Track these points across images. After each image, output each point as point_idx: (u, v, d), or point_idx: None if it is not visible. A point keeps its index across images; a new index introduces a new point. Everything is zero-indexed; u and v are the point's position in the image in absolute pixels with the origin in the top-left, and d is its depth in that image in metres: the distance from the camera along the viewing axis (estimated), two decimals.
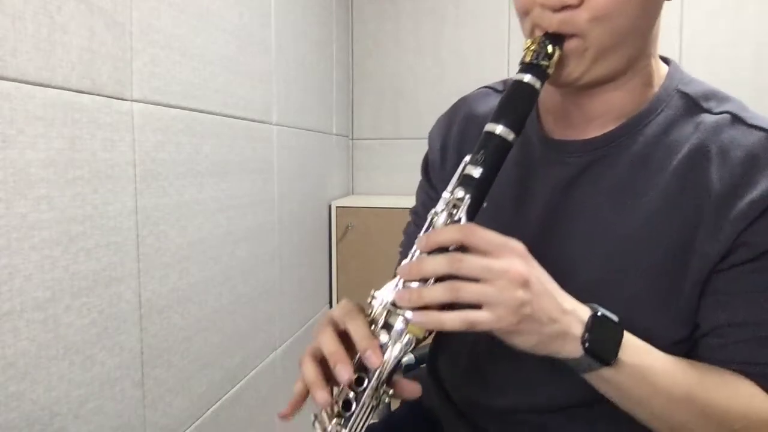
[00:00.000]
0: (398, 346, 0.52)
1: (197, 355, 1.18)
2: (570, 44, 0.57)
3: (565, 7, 0.56)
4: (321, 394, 0.52)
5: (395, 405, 0.96)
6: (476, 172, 0.53)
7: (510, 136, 0.55)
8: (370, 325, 0.53)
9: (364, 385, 0.52)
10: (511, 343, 0.52)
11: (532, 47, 0.57)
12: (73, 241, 0.83)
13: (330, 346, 0.53)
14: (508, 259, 0.50)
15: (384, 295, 0.53)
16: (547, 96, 0.69)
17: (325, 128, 2.03)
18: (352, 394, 0.52)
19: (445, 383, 0.79)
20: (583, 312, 0.53)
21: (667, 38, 2.03)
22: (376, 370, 0.51)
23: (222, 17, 1.24)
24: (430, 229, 0.54)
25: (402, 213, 1.99)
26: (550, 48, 0.56)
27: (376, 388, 0.52)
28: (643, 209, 0.61)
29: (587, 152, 0.65)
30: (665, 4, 0.61)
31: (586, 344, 0.52)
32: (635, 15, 0.57)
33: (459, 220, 0.53)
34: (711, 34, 2.01)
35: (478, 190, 0.53)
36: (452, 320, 0.49)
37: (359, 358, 0.52)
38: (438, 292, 0.50)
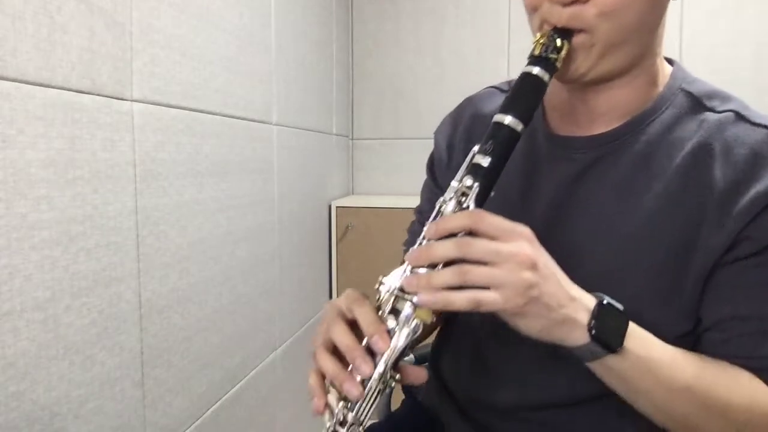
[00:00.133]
0: (405, 332, 0.52)
1: (197, 355, 1.18)
2: (578, 39, 0.58)
3: (573, 3, 0.57)
4: (349, 386, 0.51)
5: (396, 405, 0.96)
6: (485, 161, 0.54)
7: (519, 126, 0.56)
8: (377, 311, 0.54)
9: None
10: (517, 328, 0.52)
11: (542, 40, 0.58)
12: (73, 241, 0.83)
13: (345, 339, 0.53)
14: (516, 243, 0.50)
15: (391, 282, 0.53)
16: (554, 93, 0.70)
17: (325, 128, 2.03)
18: (359, 378, 0.52)
19: (448, 382, 0.80)
20: (589, 300, 0.54)
21: (667, 38, 2.01)
22: (383, 356, 0.51)
23: (222, 17, 1.24)
24: (439, 216, 0.54)
25: (402, 213, 2.00)
26: (558, 41, 0.57)
27: (383, 373, 0.52)
28: (648, 206, 0.61)
29: (592, 149, 0.66)
30: (668, 5, 0.62)
31: (593, 331, 0.52)
32: (642, 12, 0.58)
33: (467, 208, 0.53)
34: (711, 34, 2.01)
35: (487, 178, 0.54)
36: (460, 299, 0.49)
37: (366, 343, 0.52)
38: (446, 276, 0.50)
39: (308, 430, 1.57)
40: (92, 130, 0.87)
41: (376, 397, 0.52)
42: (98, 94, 0.88)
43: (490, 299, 0.49)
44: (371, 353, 0.52)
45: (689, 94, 0.65)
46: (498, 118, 0.56)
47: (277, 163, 1.57)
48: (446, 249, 0.51)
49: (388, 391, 0.53)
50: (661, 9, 0.61)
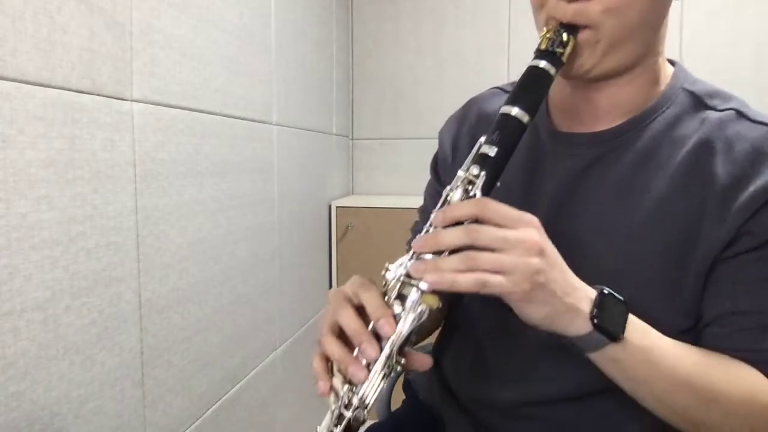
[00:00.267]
0: (411, 317, 0.52)
1: (197, 355, 1.18)
2: (583, 35, 0.59)
3: None
4: (354, 369, 0.52)
5: (396, 404, 0.96)
6: (492, 151, 0.55)
7: (525, 118, 0.56)
8: (384, 297, 0.54)
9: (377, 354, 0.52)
10: (522, 314, 0.53)
11: (548, 35, 0.59)
12: (73, 241, 0.83)
13: (352, 323, 0.53)
14: (524, 230, 0.51)
15: (397, 268, 0.54)
16: (557, 91, 0.71)
17: (325, 128, 2.03)
18: (364, 362, 0.52)
19: (450, 381, 0.80)
20: (590, 290, 0.55)
21: (668, 38, 2.02)
22: (389, 340, 0.51)
23: (222, 17, 1.24)
24: (445, 205, 0.55)
25: (402, 213, 2.00)
26: (564, 36, 0.58)
27: (389, 357, 0.52)
28: (650, 202, 0.62)
29: (595, 145, 0.67)
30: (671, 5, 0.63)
31: (595, 320, 0.52)
32: (646, 9, 0.59)
33: (474, 196, 0.54)
34: (711, 34, 2.01)
35: (494, 168, 0.55)
36: (465, 279, 0.50)
37: (372, 327, 0.52)
38: (454, 262, 0.50)
39: (308, 430, 1.56)
40: (92, 130, 0.87)
41: (381, 381, 0.52)
42: (98, 94, 0.88)
43: (497, 281, 0.49)
44: (377, 338, 0.52)
45: (691, 94, 0.66)
46: (505, 109, 0.57)
47: (277, 163, 1.57)
48: (454, 236, 0.51)
49: (393, 375, 0.53)
50: (663, 8, 0.63)
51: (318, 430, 0.53)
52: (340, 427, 0.51)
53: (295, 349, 1.72)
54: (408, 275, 0.52)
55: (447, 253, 0.52)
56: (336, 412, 0.52)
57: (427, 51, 2.27)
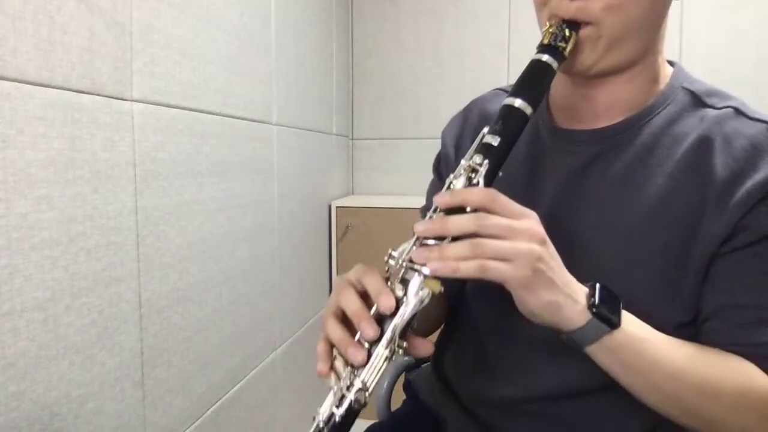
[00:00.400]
0: (414, 301, 0.52)
1: (197, 355, 1.18)
2: (585, 31, 0.61)
3: None
4: (353, 351, 0.52)
5: (396, 404, 0.96)
6: (495, 140, 0.56)
7: (528, 109, 0.58)
8: (387, 282, 0.55)
9: (379, 335, 0.53)
10: (522, 303, 0.53)
11: (551, 29, 0.61)
12: (73, 241, 0.83)
13: (352, 305, 0.54)
14: (527, 221, 0.52)
15: (400, 255, 0.54)
16: (558, 89, 0.72)
17: (325, 128, 2.03)
18: (367, 345, 0.53)
19: (451, 380, 0.80)
20: (582, 286, 0.56)
21: (668, 38, 2.02)
22: (391, 322, 0.52)
23: (222, 17, 1.24)
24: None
25: (402, 213, 2.00)
26: (567, 31, 0.60)
27: (391, 340, 0.52)
28: (649, 199, 0.63)
29: (595, 142, 0.68)
30: (671, 5, 0.65)
31: (593, 309, 0.53)
32: (646, 8, 0.61)
33: (477, 184, 0.55)
34: (711, 34, 2.01)
35: (497, 157, 0.56)
36: (467, 266, 0.50)
37: (375, 310, 0.53)
38: (459, 249, 0.51)
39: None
40: (92, 130, 0.87)
41: (383, 364, 0.53)
42: (98, 94, 0.88)
43: (499, 266, 0.50)
44: (380, 322, 0.53)
45: (690, 92, 0.67)
46: (508, 100, 0.58)
47: (277, 163, 1.57)
48: (462, 223, 0.52)
49: (395, 359, 0.53)
50: (663, 7, 0.64)
51: (319, 411, 0.53)
52: (341, 409, 0.51)
53: (295, 349, 1.72)
54: (411, 261, 0.53)
55: (449, 239, 0.52)
56: (338, 394, 0.52)
57: (427, 51, 2.27)
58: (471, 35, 2.22)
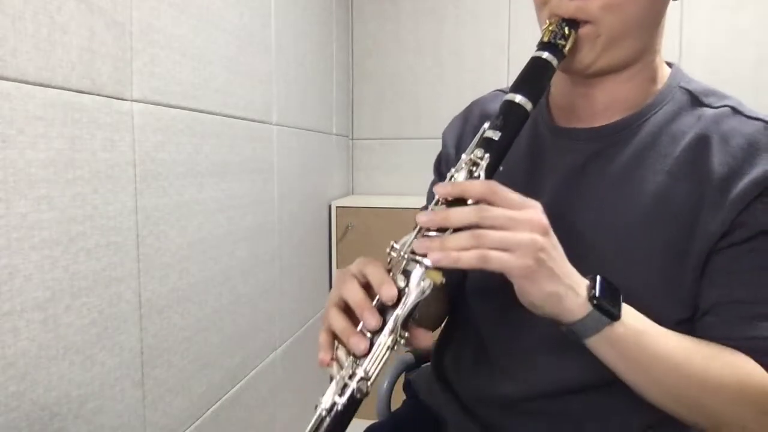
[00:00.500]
0: (416, 291, 0.53)
1: (197, 355, 1.18)
2: (584, 30, 0.62)
3: None
4: (355, 340, 0.52)
5: (396, 405, 0.96)
6: (495, 135, 0.57)
7: (528, 105, 0.58)
8: (389, 273, 0.55)
9: (381, 325, 0.53)
10: (524, 294, 0.54)
11: (551, 27, 0.62)
12: (73, 241, 0.83)
13: (355, 295, 0.54)
14: (528, 211, 0.53)
15: (402, 246, 0.55)
16: (557, 89, 0.74)
17: (325, 128, 2.03)
18: (369, 335, 0.53)
19: (451, 380, 0.80)
20: (583, 278, 0.56)
21: (667, 38, 2.02)
22: (393, 312, 0.52)
23: (222, 17, 1.24)
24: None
25: (402, 213, 2.00)
26: (566, 29, 0.61)
27: (393, 330, 0.53)
28: (648, 196, 0.64)
29: (594, 140, 0.68)
30: (669, 4, 0.66)
31: (594, 301, 0.54)
32: (644, 7, 0.62)
33: (478, 177, 0.55)
34: (711, 34, 2.01)
35: (497, 151, 0.57)
36: (468, 256, 0.51)
37: (378, 300, 0.54)
38: (460, 239, 0.51)
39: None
40: (92, 130, 0.87)
41: (385, 354, 0.53)
42: (98, 94, 0.88)
43: (500, 256, 0.50)
44: (382, 313, 0.53)
45: (687, 92, 0.68)
46: (509, 96, 0.59)
47: (277, 163, 1.57)
48: (463, 215, 0.52)
49: (396, 349, 0.54)
50: (661, 6, 0.65)
51: (321, 400, 0.53)
52: (344, 397, 0.52)
53: (295, 349, 1.72)
54: (413, 252, 0.53)
55: (451, 231, 0.53)
56: (340, 383, 0.53)
57: (427, 51, 2.27)
58: (471, 35, 2.22)
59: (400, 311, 0.52)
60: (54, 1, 0.79)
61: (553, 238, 0.54)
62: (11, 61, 0.72)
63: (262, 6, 1.46)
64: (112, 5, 0.90)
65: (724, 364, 0.58)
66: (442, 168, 0.85)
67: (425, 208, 0.85)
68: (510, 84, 0.63)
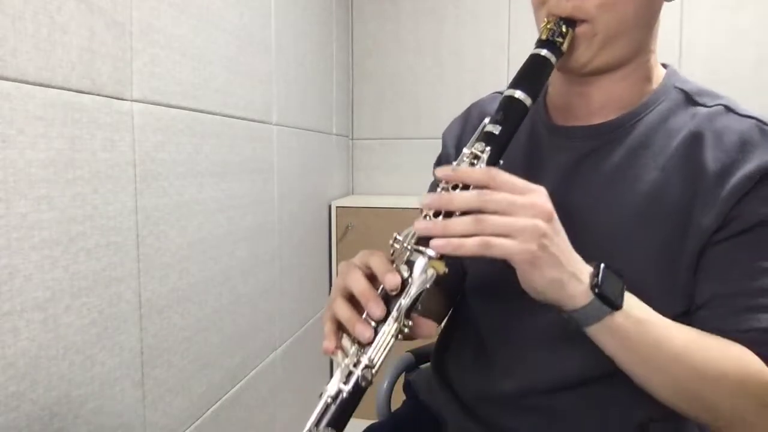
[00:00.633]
0: (419, 280, 0.53)
1: (197, 355, 1.18)
2: (581, 29, 0.64)
3: None
4: (360, 328, 0.53)
5: (396, 405, 0.96)
6: (496, 129, 0.58)
7: (527, 101, 0.60)
8: (392, 264, 0.56)
9: (385, 314, 0.53)
10: (527, 281, 0.54)
11: (549, 26, 0.63)
12: (73, 241, 0.83)
13: (359, 285, 0.55)
14: (532, 196, 0.53)
15: (405, 238, 0.56)
16: (554, 88, 0.75)
17: (325, 128, 2.03)
18: (373, 324, 0.54)
19: (452, 379, 0.80)
20: (587, 266, 0.56)
21: (668, 38, 2.03)
22: (397, 301, 0.53)
23: (222, 17, 1.24)
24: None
25: (402, 213, 2.00)
26: (564, 28, 0.63)
27: (397, 318, 0.53)
28: (643, 192, 0.65)
29: (590, 138, 0.70)
30: (665, 5, 0.67)
31: (596, 289, 0.54)
32: (640, 6, 0.64)
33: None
34: (711, 34, 2.01)
35: (498, 144, 0.58)
36: (470, 243, 0.51)
37: (381, 289, 0.54)
38: (463, 222, 0.52)
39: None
40: (92, 130, 0.87)
41: (389, 342, 0.53)
42: (98, 94, 0.88)
43: (502, 242, 0.51)
44: (386, 302, 0.54)
45: (682, 91, 0.69)
46: (509, 92, 0.61)
47: (277, 163, 1.57)
48: (466, 198, 0.52)
49: (401, 338, 0.54)
50: (656, 6, 0.66)
51: (326, 388, 0.53)
52: (349, 385, 0.52)
53: (295, 349, 1.72)
54: (416, 243, 0.54)
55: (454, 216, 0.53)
56: (345, 371, 0.53)
57: (427, 51, 2.27)
58: (471, 35, 2.22)
59: (404, 300, 0.53)
60: (54, 1, 0.79)
61: (557, 224, 0.54)
62: (11, 61, 0.72)
63: (262, 6, 1.46)
64: (112, 5, 0.90)
65: (723, 355, 0.58)
66: None
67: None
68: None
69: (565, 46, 0.63)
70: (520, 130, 0.61)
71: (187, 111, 1.12)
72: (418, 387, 0.90)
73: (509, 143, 0.59)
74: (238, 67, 1.33)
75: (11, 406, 0.74)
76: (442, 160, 0.86)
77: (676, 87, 0.70)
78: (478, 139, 0.58)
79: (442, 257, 0.54)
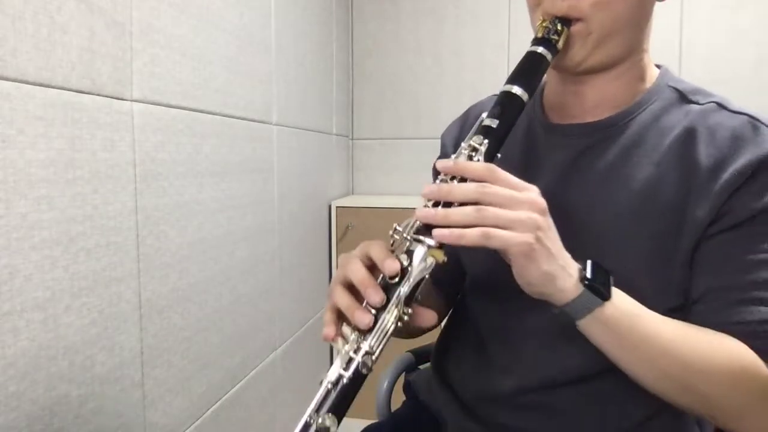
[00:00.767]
0: (418, 269, 0.54)
1: (197, 355, 1.18)
2: (575, 27, 0.65)
3: None
4: (360, 315, 0.54)
5: (396, 405, 0.96)
6: (494, 123, 0.60)
7: (524, 96, 0.61)
8: (392, 253, 0.57)
9: (385, 302, 0.54)
10: (521, 274, 0.55)
11: (544, 24, 0.65)
12: (73, 241, 0.83)
13: (359, 274, 0.56)
14: (528, 193, 0.55)
15: (405, 228, 0.56)
16: (550, 87, 0.77)
17: (325, 128, 2.03)
18: (373, 312, 0.54)
19: (451, 380, 0.81)
20: (575, 261, 0.58)
21: (668, 38, 2.03)
22: (397, 289, 0.54)
23: (222, 17, 1.24)
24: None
25: (402, 213, 1.99)
26: (559, 26, 0.64)
27: (396, 306, 0.54)
28: (637, 189, 0.65)
29: (585, 135, 0.71)
30: (664, 5, 0.69)
31: (585, 281, 0.55)
32: (633, 5, 0.65)
33: (478, 161, 0.57)
34: (711, 34, 2.01)
35: (496, 138, 0.59)
36: (471, 233, 0.52)
37: (381, 278, 0.55)
38: (464, 212, 0.53)
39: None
40: (92, 130, 0.87)
41: (390, 328, 0.54)
42: (98, 94, 0.88)
43: (501, 233, 0.52)
44: (386, 289, 0.54)
45: (676, 90, 0.70)
46: (506, 87, 0.62)
47: (277, 163, 1.57)
48: (467, 189, 0.54)
49: (400, 325, 0.55)
50: (648, 5, 0.68)
51: (326, 375, 0.54)
52: (349, 371, 0.53)
53: (295, 349, 1.72)
54: (416, 233, 0.55)
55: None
56: (345, 357, 0.54)
57: (427, 51, 2.27)
58: (471, 35, 2.22)
59: (404, 288, 0.54)
60: (54, 1, 0.79)
61: (550, 219, 0.55)
62: (11, 61, 0.72)
63: (262, 6, 1.46)
64: (112, 5, 0.90)
65: (714, 347, 0.59)
66: None
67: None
68: None
69: (560, 44, 0.64)
70: (517, 128, 0.62)
71: (187, 111, 1.12)
72: (418, 387, 0.90)
73: (507, 137, 0.60)
74: (238, 67, 1.33)
75: (11, 406, 0.74)
76: None
77: (669, 86, 0.71)
78: (476, 133, 0.59)
79: (441, 246, 0.54)
